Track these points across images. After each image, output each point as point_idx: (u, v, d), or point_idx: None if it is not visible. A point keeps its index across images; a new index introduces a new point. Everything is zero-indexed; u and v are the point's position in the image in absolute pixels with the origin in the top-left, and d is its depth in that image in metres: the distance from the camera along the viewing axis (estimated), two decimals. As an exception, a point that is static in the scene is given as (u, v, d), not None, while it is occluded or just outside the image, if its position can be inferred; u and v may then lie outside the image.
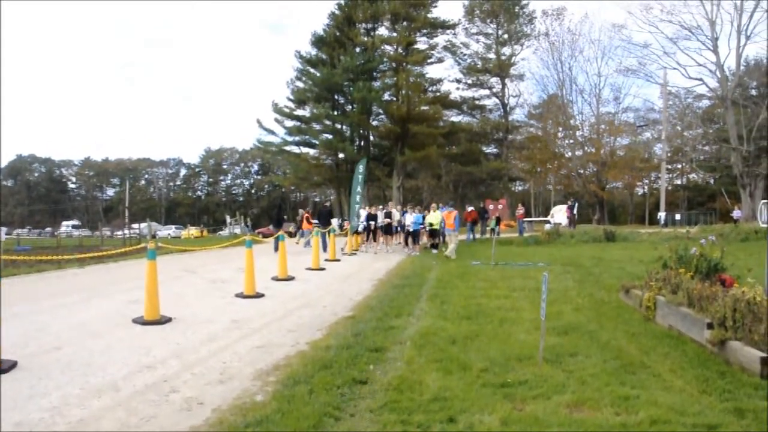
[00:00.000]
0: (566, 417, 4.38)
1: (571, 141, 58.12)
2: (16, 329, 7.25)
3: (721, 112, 47.67)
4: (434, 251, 21.07)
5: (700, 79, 42.36)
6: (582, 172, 56.19)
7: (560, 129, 58.83)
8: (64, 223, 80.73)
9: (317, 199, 36.97)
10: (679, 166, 65.39)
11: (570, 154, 58.13)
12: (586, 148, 56.01)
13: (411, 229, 21.33)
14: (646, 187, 69.36)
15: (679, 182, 69.37)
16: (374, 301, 9.88)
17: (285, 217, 24.98)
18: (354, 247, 22.67)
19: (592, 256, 18.08)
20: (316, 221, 23.34)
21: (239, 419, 4.36)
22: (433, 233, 21.86)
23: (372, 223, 21.90)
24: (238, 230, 30.67)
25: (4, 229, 20.24)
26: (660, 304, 7.70)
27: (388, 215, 21.69)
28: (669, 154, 52.82)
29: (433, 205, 23.23)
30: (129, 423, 4.36)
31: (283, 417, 4.36)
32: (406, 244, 21.95)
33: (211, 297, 10.50)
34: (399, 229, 22.50)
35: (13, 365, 5.73)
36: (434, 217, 21.30)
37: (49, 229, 75.95)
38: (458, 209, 25.52)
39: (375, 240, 21.92)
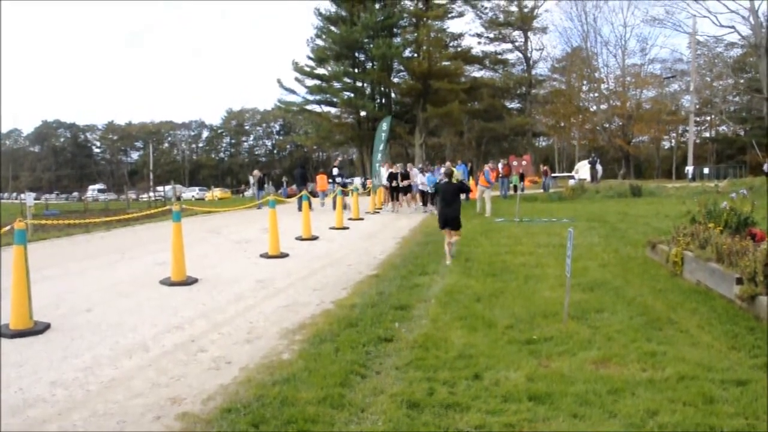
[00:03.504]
0: (592, 373, 4.37)
1: (596, 94, 57.18)
2: (48, 292, 7.40)
3: (753, 61, 46.18)
4: None
5: (732, 27, 40.95)
6: (607, 126, 55.31)
7: (584, 82, 57.82)
8: (91, 187, 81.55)
9: (340, 158, 36.91)
10: (708, 118, 63.76)
11: (594, 108, 57.22)
12: (611, 101, 55.05)
13: (427, 190, 20.97)
14: (673, 140, 67.97)
15: (707, 135, 67.78)
16: (398, 259, 9.89)
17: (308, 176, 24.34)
18: (377, 205, 22.63)
19: (618, 211, 17.89)
20: (333, 180, 23.22)
21: (267, 378, 4.42)
22: None
23: (393, 182, 21.45)
24: (263, 191, 30.84)
25: (32, 194, 20.44)
26: (688, 260, 7.60)
27: (405, 176, 21.19)
28: (697, 106, 51.51)
29: (448, 163, 22.55)
30: (159, 382, 4.44)
31: (309, 375, 4.41)
32: (424, 204, 21.68)
33: (236, 257, 10.59)
34: (416, 188, 22.14)
35: (46, 327, 5.86)
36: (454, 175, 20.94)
37: (76, 193, 76.85)
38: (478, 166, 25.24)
39: (397, 199, 21.52)
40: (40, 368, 4.74)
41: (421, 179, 21.36)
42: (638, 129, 54.24)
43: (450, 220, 9.67)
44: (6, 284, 6.31)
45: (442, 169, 21.18)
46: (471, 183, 24.12)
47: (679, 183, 36.22)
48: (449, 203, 9.78)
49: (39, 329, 5.74)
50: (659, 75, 56.45)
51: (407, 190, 21.33)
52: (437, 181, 20.77)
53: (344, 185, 22.07)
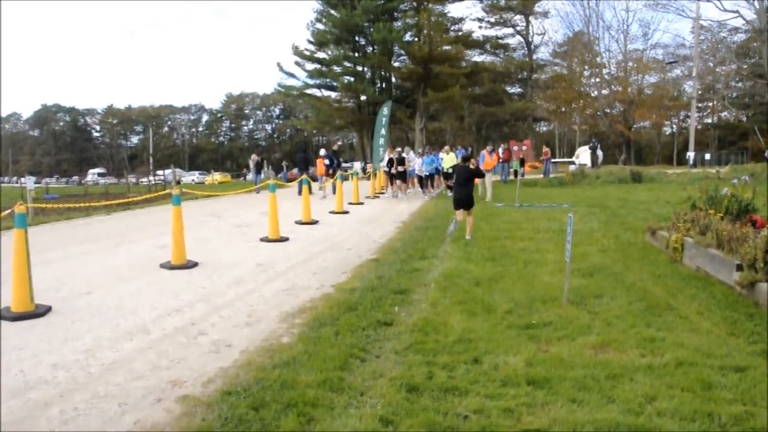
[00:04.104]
0: (591, 358, 4.38)
1: (597, 79, 56.84)
2: (49, 275, 7.41)
3: (756, 46, 45.93)
4: (449, 193, 20.87)
5: (736, 11, 40.84)
6: (608, 111, 55.05)
7: (586, 67, 57.46)
8: (90, 171, 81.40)
9: (339, 143, 36.80)
10: (710, 104, 63.39)
11: (596, 93, 56.97)
12: (612, 86, 54.73)
13: (425, 173, 20.81)
14: (674, 126, 67.62)
15: (709, 121, 67.38)
16: (398, 244, 9.90)
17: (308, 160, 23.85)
18: (377, 190, 22.59)
19: (618, 197, 17.87)
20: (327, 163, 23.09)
21: (267, 361, 4.43)
22: (447, 176, 21.03)
23: (391, 167, 21.16)
24: (262, 175, 30.73)
25: (32, 178, 20.40)
26: (688, 246, 7.60)
27: (401, 161, 20.75)
28: (699, 92, 51.14)
29: (446, 147, 22.37)
30: (160, 365, 4.45)
31: (309, 358, 4.43)
32: (422, 188, 21.49)
33: (236, 241, 10.61)
34: (413, 173, 21.85)
35: (47, 310, 5.88)
36: (449, 159, 20.58)
37: (75, 177, 76.71)
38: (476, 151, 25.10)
39: (393, 183, 21.38)
40: (42, 351, 4.75)
41: (418, 164, 21.09)
42: (639, 114, 53.99)
43: (465, 200, 10.34)
44: (7, 268, 6.31)
45: (441, 154, 21.13)
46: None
47: (680, 169, 36.09)
48: (464, 185, 10.44)
49: (40, 312, 5.76)
50: (661, 60, 56.09)
51: (403, 175, 20.97)
52: (438, 164, 20.71)
53: (331, 170, 21.60)
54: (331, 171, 21.23)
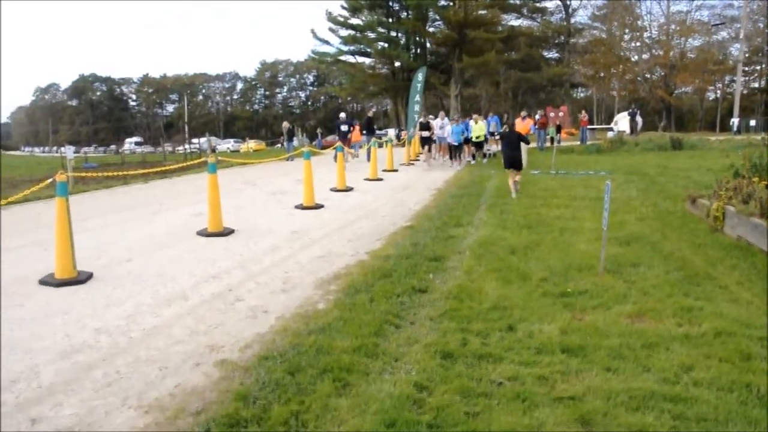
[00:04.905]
0: (627, 327, 4.35)
1: (638, 43, 55.33)
2: (90, 242, 7.59)
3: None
4: (472, 162, 20.52)
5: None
6: (648, 76, 53.66)
7: (626, 31, 55.91)
8: (128, 140, 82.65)
9: (374, 110, 36.37)
10: (758, 67, 61.20)
11: (636, 57, 55.48)
12: (653, 50, 53.23)
13: (455, 142, 19.80)
14: (718, 91, 65.52)
15: (756, 85, 65.07)
16: (433, 211, 9.88)
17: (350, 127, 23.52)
18: (412, 157, 22.47)
19: (658, 164, 17.49)
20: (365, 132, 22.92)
21: (302, 327, 4.50)
22: (478, 145, 20.87)
23: (425, 132, 20.18)
24: (295, 142, 30.83)
25: (71, 148, 20.75)
26: (729, 215, 7.44)
27: (424, 126, 20.00)
28: (747, 55, 49.49)
29: (475, 116, 21.54)
30: (198, 330, 4.55)
31: (344, 324, 4.48)
32: (452, 157, 20.47)
33: (271, 209, 10.71)
34: (439, 141, 20.97)
35: (89, 276, 6.03)
36: (478, 128, 20.13)
37: (113, 146, 77.91)
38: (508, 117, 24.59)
39: (429, 150, 20.59)
40: (85, 316, 4.89)
41: (447, 132, 20.03)
42: (681, 79, 52.43)
43: (515, 162, 11.27)
44: (47, 236, 6.46)
45: (471, 123, 20.63)
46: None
47: (723, 135, 35.18)
48: (513, 148, 11.36)
49: (82, 279, 5.91)
50: (707, 22, 54.18)
51: (427, 141, 20.10)
52: (468, 133, 20.16)
53: (345, 136, 21.62)
54: (350, 137, 21.29)
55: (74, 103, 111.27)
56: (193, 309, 5.05)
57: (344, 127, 21.92)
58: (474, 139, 20.37)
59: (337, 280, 5.83)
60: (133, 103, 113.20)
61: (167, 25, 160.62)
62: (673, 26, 53.20)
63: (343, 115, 23.22)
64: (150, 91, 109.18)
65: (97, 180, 15.76)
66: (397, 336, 4.30)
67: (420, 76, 25.20)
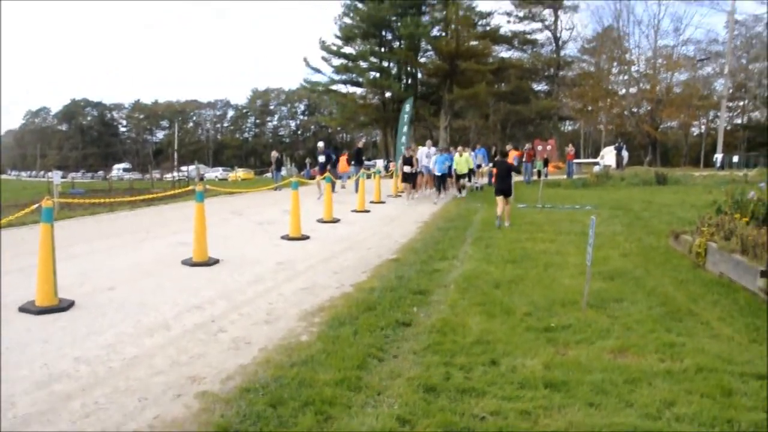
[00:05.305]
0: (610, 362, 4.37)
1: (626, 77, 56.21)
2: (73, 269, 7.54)
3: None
4: (459, 196, 20.13)
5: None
6: (635, 110, 54.43)
7: (614, 64, 56.86)
8: (116, 166, 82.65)
9: (363, 140, 36.62)
10: (741, 103, 62.27)
11: (624, 91, 56.33)
12: (641, 84, 54.08)
13: (437, 174, 19.18)
14: (703, 126, 66.46)
15: (739, 121, 66.17)
16: (419, 244, 9.90)
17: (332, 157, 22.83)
18: (400, 189, 22.49)
19: (642, 199, 17.66)
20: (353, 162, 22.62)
21: (285, 359, 4.48)
22: (459, 178, 20.46)
23: (407, 168, 19.01)
24: (284, 172, 30.93)
25: (59, 173, 20.72)
26: (711, 251, 7.52)
27: (408, 162, 18.80)
28: (731, 90, 50.37)
29: (460, 148, 21.28)
30: (179, 361, 4.52)
31: (327, 357, 4.46)
32: (438, 190, 19.59)
33: (257, 239, 10.69)
34: (426, 171, 20.12)
35: (70, 304, 5.98)
36: (460, 161, 19.82)
37: (101, 172, 77.87)
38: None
39: (413, 186, 19.58)
40: (65, 344, 4.84)
41: (433, 161, 19.37)
42: (667, 114, 53.23)
43: (506, 190, 12.04)
44: (29, 262, 6.41)
45: (455, 155, 20.42)
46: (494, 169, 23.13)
47: (707, 171, 35.63)
48: (504, 178, 12.18)
49: (63, 306, 5.85)
50: (692, 57, 55.17)
51: (411, 177, 19.04)
52: (444, 162, 19.60)
53: (323, 168, 20.41)
54: (328, 168, 20.37)
55: (64, 127, 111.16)
56: (175, 339, 5.02)
57: (321, 158, 20.98)
58: (458, 172, 20.12)
59: (321, 312, 5.82)
60: (123, 129, 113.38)
61: (160, 51, 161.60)
62: (660, 60, 54.19)
63: (321, 144, 22.14)
64: (141, 117, 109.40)
65: (84, 206, 15.67)
66: (380, 369, 4.29)
67: (407, 107, 25.46)
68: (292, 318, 5.64)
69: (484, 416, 3.55)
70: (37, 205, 6.29)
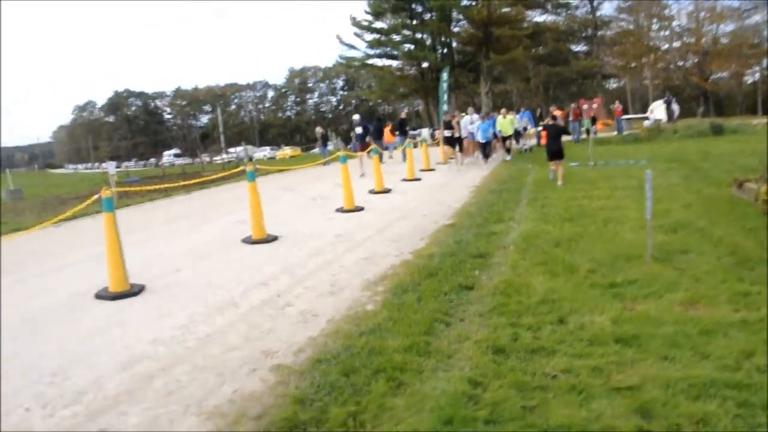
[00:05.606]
0: (680, 315, 4.29)
1: (667, 32, 54.26)
2: (139, 255, 7.73)
3: None
4: (508, 158, 19.72)
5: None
6: (681, 64, 52.56)
7: (654, 21, 54.90)
8: (166, 152, 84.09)
9: (406, 111, 36.32)
10: (794, 47, 59.53)
11: (666, 46, 54.47)
12: (684, 38, 52.16)
13: (482, 140, 18.66)
14: (757, 74, 63.82)
15: (795, 64, 63.33)
16: (473, 208, 9.85)
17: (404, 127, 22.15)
18: (449, 154, 22.27)
19: (699, 150, 17.12)
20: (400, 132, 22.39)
21: (353, 328, 4.53)
22: (505, 140, 20.09)
23: (447, 132, 18.96)
24: (330, 147, 31.07)
25: (113, 163, 21.22)
26: (779, 196, 7.26)
27: (448, 125, 18.72)
28: (783, 36, 48.14)
29: (504, 110, 20.85)
30: (251, 336, 4.62)
31: (394, 324, 4.50)
32: (485, 156, 18.96)
33: (312, 213, 10.79)
34: (471, 138, 19.57)
35: (141, 288, 6.17)
36: (504, 123, 19.54)
37: (152, 159, 79.36)
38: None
39: (460, 150, 19.41)
40: (141, 327, 5.01)
41: (476, 127, 18.85)
42: (717, 65, 51.22)
43: (556, 152, 12.27)
44: (99, 251, 6.62)
45: (499, 117, 19.99)
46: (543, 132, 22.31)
47: (766, 118, 34.25)
48: (555, 139, 12.42)
49: (135, 291, 6.05)
50: (738, 9, 52.81)
51: (452, 141, 18.98)
52: (488, 129, 19.22)
53: (362, 139, 20.00)
54: (368, 138, 20.09)
55: (111, 119, 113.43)
56: (245, 316, 5.13)
57: (359, 130, 20.25)
58: (503, 134, 19.75)
59: (383, 280, 5.86)
60: (168, 116, 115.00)
61: (196, 39, 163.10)
62: (702, 13, 52.03)
63: (356, 117, 21.34)
64: (183, 103, 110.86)
65: (140, 194, 16.07)
66: (448, 333, 4.31)
67: (444, 75, 25.17)
68: (355, 288, 5.70)
69: (555, 374, 3.53)
70: (97, 196, 6.47)
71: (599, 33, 58.76)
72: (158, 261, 7.56)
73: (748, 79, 64.32)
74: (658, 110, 36.73)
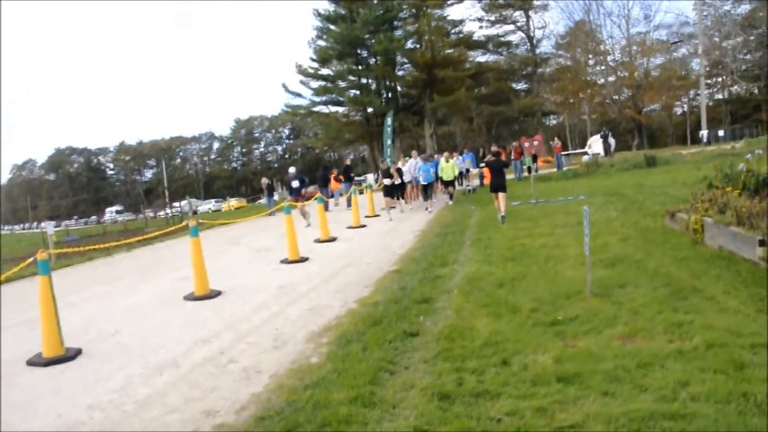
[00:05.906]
0: (620, 349, 4.38)
1: (603, 67, 56.56)
2: (76, 317, 7.50)
3: (762, 16, 45.50)
4: (450, 203, 19.59)
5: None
6: (616, 98, 54.70)
7: (590, 56, 57.24)
8: (108, 209, 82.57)
9: (351, 157, 36.50)
10: (719, 79, 62.62)
11: (602, 80, 56.68)
12: (618, 72, 54.42)
13: (423, 182, 18.65)
14: (685, 105, 66.87)
15: (720, 96, 66.52)
16: (418, 252, 9.91)
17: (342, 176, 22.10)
18: (389, 205, 22.34)
19: (634, 183, 17.72)
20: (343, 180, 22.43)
21: (297, 383, 4.47)
22: (447, 184, 19.82)
23: (387, 180, 18.43)
24: (276, 197, 30.95)
25: (51, 224, 20.67)
26: (708, 226, 7.54)
27: (387, 173, 18.45)
28: (707, 68, 50.60)
29: (446, 154, 20.72)
30: (193, 396, 4.51)
31: (339, 376, 4.46)
32: (426, 198, 18.97)
33: (256, 266, 10.67)
34: (415, 182, 19.69)
35: (77, 352, 5.96)
36: (446, 168, 19.14)
37: (94, 217, 77.70)
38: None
39: (398, 198, 19.12)
40: (76, 393, 4.82)
41: (413, 171, 19.05)
42: (648, 97, 53.59)
43: (500, 187, 12.87)
44: (32, 315, 6.39)
45: (441, 161, 20.09)
46: (485, 169, 22.54)
47: (695, 148, 35.78)
48: (497, 175, 13.09)
49: (71, 355, 5.84)
50: (666, 41, 55.62)
51: (392, 190, 18.47)
52: (429, 170, 19.23)
53: (298, 193, 18.93)
54: (303, 192, 19.56)
55: (52, 177, 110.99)
56: (186, 375, 5.00)
57: (295, 183, 19.18)
58: (444, 178, 19.50)
59: (328, 331, 5.81)
60: (111, 172, 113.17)
61: (140, 92, 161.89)
62: (634, 48, 54.56)
63: (292, 170, 20.43)
64: (127, 158, 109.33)
65: (80, 253, 15.60)
66: (393, 382, 4.29)
67: (389, 120, 25.52)
68: (299, 341, 5.63)
69: (500, 418, 3.54)
70: (32, 258, 6.28)
71: (539, 70, 60.75)
72: (96, 322, 7.33)
73: (678, 111, 67.37)
74: (595, 145, 37.99)
